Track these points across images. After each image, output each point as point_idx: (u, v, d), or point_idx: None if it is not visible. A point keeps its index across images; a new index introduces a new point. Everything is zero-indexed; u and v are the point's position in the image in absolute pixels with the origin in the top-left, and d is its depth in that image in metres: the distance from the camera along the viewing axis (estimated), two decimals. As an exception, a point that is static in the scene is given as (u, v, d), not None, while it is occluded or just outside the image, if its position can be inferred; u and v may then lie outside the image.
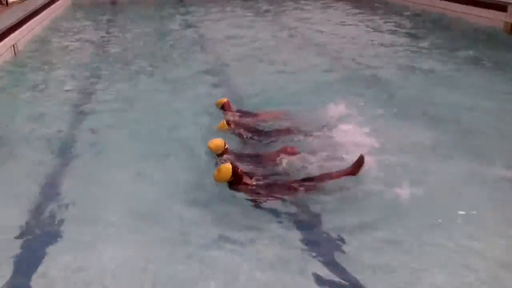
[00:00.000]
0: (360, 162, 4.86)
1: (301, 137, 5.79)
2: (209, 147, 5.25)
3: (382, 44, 11.39)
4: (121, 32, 14.11)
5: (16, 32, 11.19)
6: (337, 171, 4.86)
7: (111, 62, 10.52)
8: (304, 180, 4.76)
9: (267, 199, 4.56)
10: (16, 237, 4.26)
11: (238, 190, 4.62)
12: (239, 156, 5.29)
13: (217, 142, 5.25)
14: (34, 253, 4.08)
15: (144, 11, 17.64)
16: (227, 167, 4.59)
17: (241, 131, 5.98)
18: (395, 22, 13.88)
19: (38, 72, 9.58)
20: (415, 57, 10.11)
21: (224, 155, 5.18)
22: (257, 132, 6.06)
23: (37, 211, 4.68)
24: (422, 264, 3.82)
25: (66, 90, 8.52)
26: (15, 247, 4.12)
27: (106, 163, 5.63)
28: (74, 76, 9.40)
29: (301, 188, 4.66)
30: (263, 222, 4.35)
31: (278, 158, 5.15)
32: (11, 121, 6.92)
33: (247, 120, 6.36)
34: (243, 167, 4.88)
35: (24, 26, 12.02)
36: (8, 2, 14.84)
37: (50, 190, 5.11)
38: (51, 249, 4.12)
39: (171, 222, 4.40)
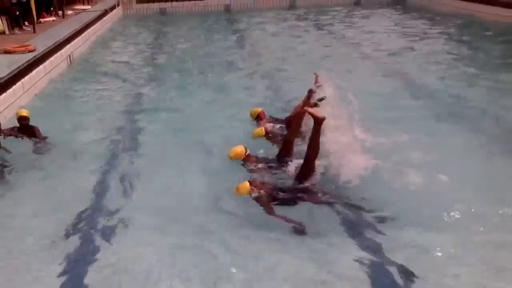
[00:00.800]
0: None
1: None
2: (229, 156, 5.38)
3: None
4: (170, 40, 14.54)
5: (72, 43, 11.75)
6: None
7: (160, 70, 10.87)
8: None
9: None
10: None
11: (260, 203, 4.74)
12: (262, 161, 5.41)
13: (237, 150, 5.37)
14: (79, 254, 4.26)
15: (192, 20, 18.09)
16: (245, 185, 4.76)
17: (275, 136, 6.06)
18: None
19: (91, 80, 10.02)
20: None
21: (247, 162, 5.35)
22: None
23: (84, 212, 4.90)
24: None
25: (117, 97, 8.87)
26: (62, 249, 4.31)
27: (149, 168, 5.83)
28: (125, 83, 9.78)
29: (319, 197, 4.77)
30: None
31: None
32: (65, 125, 7.26)
33: (280, 127, 6.38)
34: (265, 173, 5.11)
35: (79, 37, 12.60)
36: (64, 14, 15.65)
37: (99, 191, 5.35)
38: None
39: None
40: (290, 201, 4.75)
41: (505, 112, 7.12)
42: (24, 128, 6.53)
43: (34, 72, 8.88)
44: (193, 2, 20.51)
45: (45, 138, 6.54)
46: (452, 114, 7.19)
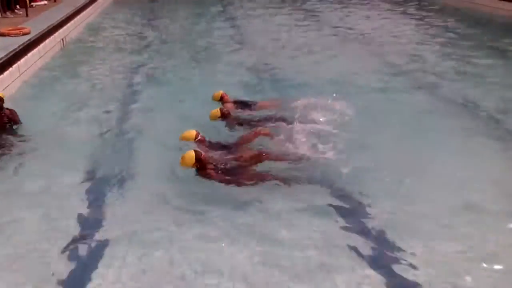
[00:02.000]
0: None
1: (284, 124, 5.96)
2: (180, 138, 5.56)
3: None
4: (160, 27, 14.71)
5: (65, 27, 11.89)
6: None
7: (151, 56, 11.07)
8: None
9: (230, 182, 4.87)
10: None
11: (204, 175, 4.97)
12: (214, 145, 5.60)
13: (187, 134, 5.55)
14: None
15: (183, 8, 18.19)
16: (190, 153, 4.92)
17: (231, 121, 6.23)
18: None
19: (83, 63, 10.18)
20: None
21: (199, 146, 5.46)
22: (245, 121, 6.27)
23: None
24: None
25: (108, 81, 9.08)
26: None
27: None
28: (116, 67, 10.00)
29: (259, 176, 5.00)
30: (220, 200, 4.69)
31: (251, 139, 5.50)
32: (60, 108, 7.44)
33: (240, 111, 6.61)
34: (215, 154, 5.26)
35: (72, 21, 12.73)
36: (56, -2, 15.66)
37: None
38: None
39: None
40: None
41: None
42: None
43: (29, 54, 9.04)
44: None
45: (20, 122, 6.39)
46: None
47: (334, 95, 6.53)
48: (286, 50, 11.28)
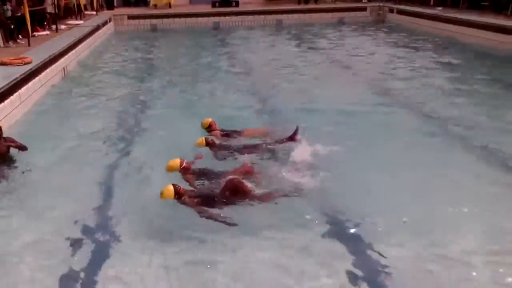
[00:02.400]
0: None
1: (269, 155, 6.16)
2: (166, 169, 5.61)
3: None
4: (160, 56, 14.96)
5: (66, 56, 12.10)
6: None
7: (151, 83, 11.24)
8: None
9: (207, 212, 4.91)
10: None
11: (185, 204, 5.00)
12: (199, 173, 5.66)
13: (172, 164, 5.60)
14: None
15: (182, 37, 18.58)
16: (168, 188, 4.97)
17: (215, 149, 6.33)
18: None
19: (84, 92, 10.31)
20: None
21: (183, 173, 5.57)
22: (231, 149, 6.37)
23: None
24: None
25: (109, 109, 9.17)
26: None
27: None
28: (116, 96, 10.10)
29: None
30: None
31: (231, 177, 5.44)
32: (60, 137, 7.50)
33: (228, 139, 6.73)
34: (199, 182, 5.43)
35: (73, 51, 12.96)
36: (58, 29, 15.99)
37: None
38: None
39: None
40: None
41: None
42: None
43: (30, 83, 9.18)
44: (183, 19, 21.05)
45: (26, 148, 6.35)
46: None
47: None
48: (280, 76, 11.50)
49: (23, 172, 6.06)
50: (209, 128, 6.93)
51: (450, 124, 7.69)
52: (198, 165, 5.90)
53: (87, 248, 4.56)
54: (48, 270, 4.22)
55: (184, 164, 5.61)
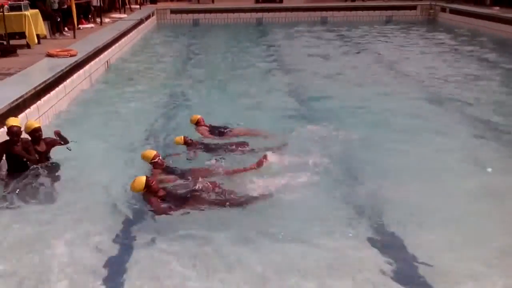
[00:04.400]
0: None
1: (245, 156, 6.02)
2: (141, 157, 5.61)
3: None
4: (202, 50, 14.86)
5: (110, 49, 12.14)
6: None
7: (192, 78, 11.16)
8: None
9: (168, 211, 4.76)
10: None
11: (148, 201, 4.86)
12: (170, 170, 5.54)
13: (146, 153, 5.58)
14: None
15: (224, 32, 18.41)
16: (141, 179, 4.83)
17: (192, 148, 6.28)
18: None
19: (126, 85, 10.34)
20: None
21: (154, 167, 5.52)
22: (211, 148, 6.32)
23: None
24: None
25: (149, 102, 9.11)
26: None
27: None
28: (157, 89, 10.07)
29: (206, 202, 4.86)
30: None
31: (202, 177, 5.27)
32: (101, 128, 7.51)
33: (213, 136, 6.74)
34: (167, 178, 5.30)
35: (117, 44, 13.01)
36: (102, 22, 16.13)
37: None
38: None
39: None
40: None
41: None
42: (38, 140, 5.69)
43: (75, 75, 9.20)
44: (225, 14, 20.91)
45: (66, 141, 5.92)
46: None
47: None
48: (322, 76, 11.13)
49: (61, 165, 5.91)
50: (197, 124, 6.99)
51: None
52: (172, 163, 5.82)
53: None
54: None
55: (158, 159, 5.53)
